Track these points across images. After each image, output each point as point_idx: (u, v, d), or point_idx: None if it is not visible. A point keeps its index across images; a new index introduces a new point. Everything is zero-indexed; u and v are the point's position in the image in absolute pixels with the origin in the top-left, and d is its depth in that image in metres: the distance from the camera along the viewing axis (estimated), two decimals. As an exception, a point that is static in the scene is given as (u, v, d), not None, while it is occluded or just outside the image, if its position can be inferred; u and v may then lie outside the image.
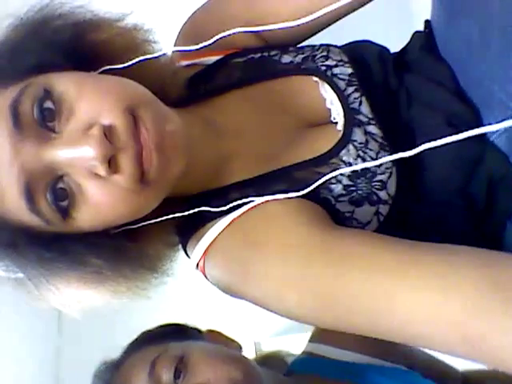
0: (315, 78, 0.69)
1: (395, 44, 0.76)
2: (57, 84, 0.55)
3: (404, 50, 0.75)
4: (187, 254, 0.68)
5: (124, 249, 0.62)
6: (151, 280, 0.64)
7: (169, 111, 0.59)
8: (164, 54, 0.64)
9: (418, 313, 0.48)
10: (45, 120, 0.54)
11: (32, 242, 0.57)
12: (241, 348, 0.83)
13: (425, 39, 0.73)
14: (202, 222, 0.64)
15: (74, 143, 0.53)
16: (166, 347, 0.74)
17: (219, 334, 0.84)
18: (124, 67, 0.62)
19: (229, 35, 0.62)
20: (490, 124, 0.61)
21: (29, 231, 0.57)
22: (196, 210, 0.63)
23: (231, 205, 0.61)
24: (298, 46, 0.75)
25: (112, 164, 0.53)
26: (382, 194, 0.62)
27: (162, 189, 0.58)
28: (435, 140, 0.55)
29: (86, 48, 0.62)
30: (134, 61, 0.62)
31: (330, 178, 0.60)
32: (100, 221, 0.56)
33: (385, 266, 0.50)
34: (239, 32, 0.62)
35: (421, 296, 0.48)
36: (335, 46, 0.72)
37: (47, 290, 0.60)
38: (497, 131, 0.65)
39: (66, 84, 0.55)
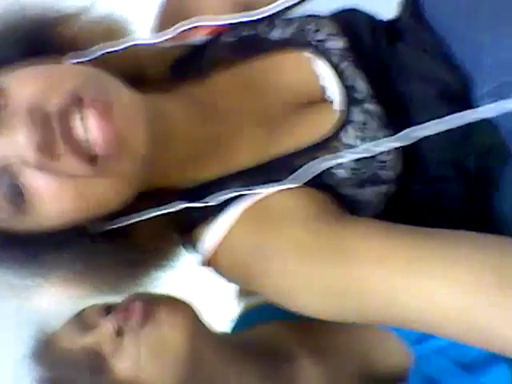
0: (307, 54, 0.66)
1: (380, 11, 0.72)
2: (5, 79, 0.53)
3: (393, 19, 0.72)
4: (188, 250, 0.67)
5: (110, 245, 0.60)
6: (145, 275, 0.65)
7: (118, 87, 0.55)
8: (126, 48, 0.62)
9: (432, 302, 0.48)
10: None
11: (8, 243, 0.55)
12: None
13: (413, 7, 0.70)
14: (205, 216, 0.62)
15: (5, 132, 0.51)
16: None
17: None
18: (90, 59, 0.60)
19: (189, 28, 0.63)
20: (480, 95, 0.63)
21: (4, 233, 0.55)
22: (175, 207, 0.61)
23: (228, 196, 0.60)
24: (286, 18, 0.71)
25: (48, 150, 0.50)
26: (384, 174, 0.61)
27: (120, 173, 0.54)
28: (432, 117, 0.57)
29: (54, 41, 0.61)
30: (97, 53, 0.61)
31: (333, 162, 0.59)
32: (60, 214, 0.54)
33: (397, 258, 0.50)
34: (199, 24, 0.63)
35: (434, 285, 0.48)
36: (324, 17, 0.68)
37: (33, 290, 0.59)
38: (483, 99, 0.64)
39: (13, 78, 0.53)
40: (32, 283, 0.58)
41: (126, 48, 0.63)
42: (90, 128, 0.50)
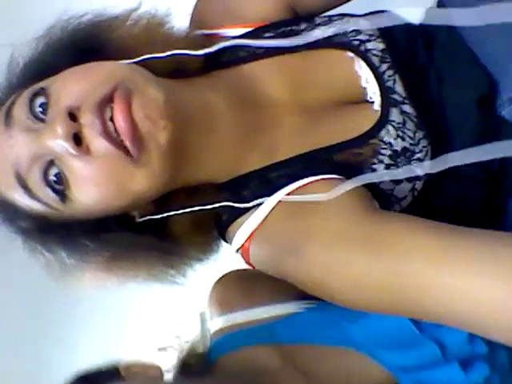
0: (350, 54, 0.67)
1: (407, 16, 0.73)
2: (52, 82, 0.59)
3: (424, 24, 0.73)
4: (224, 239, 0.68)
5: (149, 236, 0.63)
6: (180, 267, 0.66)
7: (147, 82, 0.58)
8: (171, 55, 0.65)
9: (465, 298, 0.48)
10: (35, 113, 0.58)
11: (53, 229, 0.60)
12: (161, 371, 0.77)
13: (440, 13, 0.72)
14: (244, 208, 0.63)
15: (47, 129, 0.56)
16: None
17: (135, 365, 0.77)
18: (133, 62, 0.63)
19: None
20: (505, 99, 0.65)
21: (48, 219, 0.60)
22: (218, 204, 0.63)
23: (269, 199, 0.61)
24: (326, 17, 0.72)
25: (80, 142, 0.55)
26: (420, 171, 0.63)
27: (151, 162, 0.57)
28: (465, 123, 0.62)
29: (101, 48, 0.64)
30: (141, 57, 0.63)
31: (373, 158, 0.62)
32: (98, 199, 0.58)
33: (430, 254, 0.50)
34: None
35: (466, 282, 0.48)
36: (363, 18, 0.70)
37: (73, 271, 0.63)
38: (506, 104, 0.67)
39: (58, 80, 0.59)
40: (73, 266, 0.62)
41: (169, 56, 0.64)
42: (116, 121, 0.55)
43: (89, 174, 0.56)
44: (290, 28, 0.70)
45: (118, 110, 0.54)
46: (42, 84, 0.59)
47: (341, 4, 0.74)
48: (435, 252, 0.50)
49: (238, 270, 0.84)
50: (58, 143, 0.55)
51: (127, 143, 0.55)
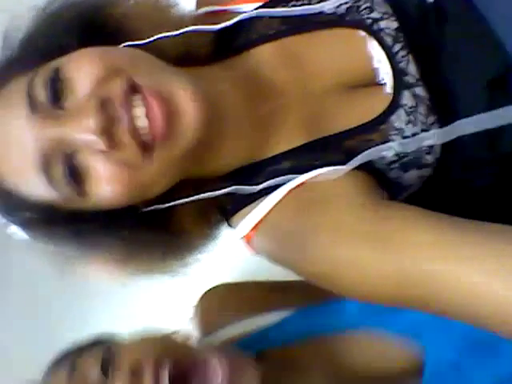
0: (362, 33, 0.64)
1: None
2: (65, 64, 0.56)
3: (438, 1, 0.69)
4: (231, 225, 0.67)
5: (154, 228, 0.62)
6: (186, 258, 0.65)
7: (174, 74, 0.57)
8: (184, 32, 0.62)
9: (474, 293, 0.48)
10: (54, 99, 0.55)
11: (61, 220, 0.59)
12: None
13: None
14: (251, 196, 0.62)
15: (73, 119, 0.54)
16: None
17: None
18: (144, 43, 0.61)
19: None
20: None
21: (57, 209, 0.58)
22: (227, 189, 0.62)
23: (277, 182, 0.60)
24: None
25: (111, 138, 0.53)
26: (429, 158, 0.62)
27: (170, 160, 0.56)
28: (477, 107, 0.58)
29: (106, 25, 0.62)
30: (153, 37, 0.62)
31: (383, 146, 0.60)
32: (113, 196, 0.56)
33: (440, 249, 0.50)
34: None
35: (469, 274, 0.48)
36: None
37: (81, 262, 0.62)
38: None
39: (71, 62, 0.56)
40: (79, 257, 0.61)
41: (180, 34, 0.63)
42: (149, 116, 0.53)
43: (111, 171, 0.55)
44: (300, 2, 0.67)
45: (151, 105, 0.53)
46: (55, 64, 0.56)
47: None
48: (439, 246, 0.50)
49: (217, 287, 0.84)
50: (88, 137, 0.53)
51: (157, 142, 0.54)
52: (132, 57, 0.58)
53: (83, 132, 0.53)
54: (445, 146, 0.62)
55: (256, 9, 0.68)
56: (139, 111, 0.54)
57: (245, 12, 0.67)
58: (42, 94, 0.55)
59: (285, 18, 0.67)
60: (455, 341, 0.65)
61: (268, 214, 0.60)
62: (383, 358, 0.68)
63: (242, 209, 0.63)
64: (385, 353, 0.68)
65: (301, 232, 0.57)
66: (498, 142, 0.64)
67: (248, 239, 0.63)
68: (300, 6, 0.67)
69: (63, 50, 0.58)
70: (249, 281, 0.87)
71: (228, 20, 0.66)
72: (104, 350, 0.65)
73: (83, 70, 0.55)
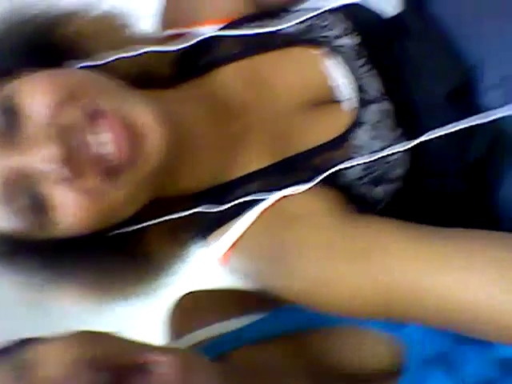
0: (321, 50, 0.65)
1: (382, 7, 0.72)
2: (17, 91, 0.54)
3: (398, 15, 0.71)
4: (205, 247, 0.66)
5: (122, 252, 0.61)
6: (158, 280, 0.63)
7: (135, 98, 0.56)
8: (143, 53, 0.61)
9: (448, 299, 0.49)
10: (11, 127, 0.53)
11: (25, 250, 0.57)
12: None
13: (416, 2, 0.70)
14: (224, 217, 0.62)
15: (33, 147, 0.52)
16: None
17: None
18: (102, 64, 0.60)
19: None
20: (484, 87, 0.63)
21: (20, 240, 0.56)
22: (195, 209, 0.61)
23: (243, 200, 0.60)
24: (298, 10, 0.70)
25: (74, 166, 0.51)
26: (396, 172, 0.62)
27: (137, 184, 0.55)
28: (439, 118, 0.59)
29: (57, 44, 0.60)
30: (110, 58, 0.60)
31: (348, 161, 0.60)
32: (79, 224, 0.55)
33: (410, 256, 0.51)
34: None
35: (457, 284, 0.48)
36: (335, 12, 0.67)
37: (51, 291, 0.60)
38: (488, 92, 0.65)
39: (24, 88, 0.54)
40: (48, 287, 0.59)
41: (139, 55, 0.61)
42: (109, 141, 0.52)
43: (75, 200, 0.53)
44: (258, 23, 0.68)
45: (113, 130, 0.51)
46: (7, 92, 0.54)
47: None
48: (416, 253, 0.51)
49: (193, 292, 0.81)
50: (51, 166, 0.51)
51: (119, 166, 0.52)
52: (90, 80, 0.56)
53: (45, 161, 0.51)
54: (413, 158, 0.63)
55: (218, 30, 0.68)
56: (104, 137, 0.52)
57: (205, 34, 0.67)
58: None
59: (246, 39, 0.67)
60: (442, 336, 0.64)
61: (243, 235, 0.60)
62: (363, 353, 0.66)
63: (215, 230, 0.63)
64: (365, 348, 0.67)
65: (277, 252, 0.57)
66: (467, 150, 0.64)
67: (224, 261, 0.63)
68: (261, 26, 0.67)
69: (13, 72, 0.55)
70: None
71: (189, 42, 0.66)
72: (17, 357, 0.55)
73: (37, 97, 0.52)
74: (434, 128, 0.58)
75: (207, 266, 0.66)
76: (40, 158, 0.51)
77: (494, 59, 0.64)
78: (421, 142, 0.61)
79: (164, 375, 0.49)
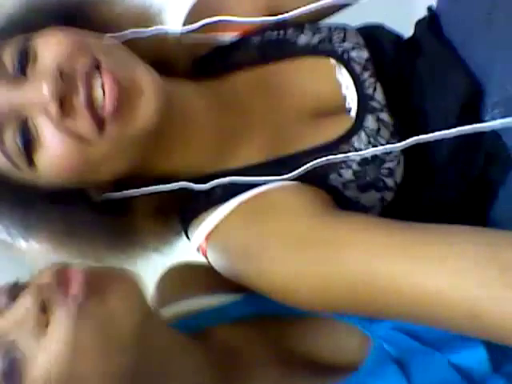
0: (332, 61, 0.68)
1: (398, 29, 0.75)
2: (36, 38, 0.58)
3: (412, 36, 0.74)
4: (187, 236, 0.68)
5: (104, 216, 0.64)
6: (135, 253, 0.66)
7: (140, 66, 0.59)
8: (153, 33, 0.66)
9: (422, 292, 0.49)
10: (19, 69, 0.57)
11: (8, 192, 0.60)
12: None
13: (430, 24, 0.72)
14: (205, 205, 0.64)
15: (30, 83, 0.56)
16: None
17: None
18: (125, 40, 0.64)
19: (215, 24, 0.67)
20: (489, 105, 0.64)
21: (5, 181, 0.59)
22: (177, 184, 0.63)
23: (224, 182, 0.62)
24: (315, 25, 0.73)
25: (65, 105, 0.54)
26: (389, 181, 0.63)
27: (121, 139, 0.57)
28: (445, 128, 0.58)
29: (91, 18, 0.65)
30: (126, 37, 0.64)
31: (341, 163, 0.61)
32: (60, 167, 0.57)
33: (386, 249, 0.51)
34: (224, 21, 0.67)
35: (422, 274, 0.49)
36: (350, 29, 0.71)
37: (21, 239, 0.62)
38: (491, 109, 0.66)
39: (42, 37, 0.58)
40: (19, 234, 0.62)
41: (152, 34, 0.66)
42: (104, 88, 0.55)
43: (60, 139, 0.55)
44: (276, 33, 0.72)
45: (109, 82, 0.54)
46: (27, 37, 0.58)
47: (329, 15, 0.76)
48: (389, 247, 0.51)
49: (184, 263, 0.81)
50: (41, 100, 0.54)
51: (109, 117, 0.55)
52: (106, 44, 0.60)
53: (37, 94, 0.54)
54: (414, 169, 0.64)
55: (237, 41, 0.72)
56: (97, 83, 0.55)
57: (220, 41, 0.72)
58: (8, 62, 0.57)
59: (261, 47, 0.71)
60: (405, 338, 0.62)
61: (218, 225, 0.61)
62: (336, 343, 0.65)
63: (196, 217, 0.64)
64: (337, 339, 0.66)
65: (251, 244, 0.58)
66: (469, 164, 0.65)
67: (202, 250, 0.64)
68: (276, 36, 0.72)
69: (40, 27, 0.60)
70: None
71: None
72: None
73: (50, 45, 0.57)
74: (440, 142, 0.59)
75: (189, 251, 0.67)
76: (33, 92, 0.55)
77: (498, 79, 0.64)
78: (427, 154, 0.63)
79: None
